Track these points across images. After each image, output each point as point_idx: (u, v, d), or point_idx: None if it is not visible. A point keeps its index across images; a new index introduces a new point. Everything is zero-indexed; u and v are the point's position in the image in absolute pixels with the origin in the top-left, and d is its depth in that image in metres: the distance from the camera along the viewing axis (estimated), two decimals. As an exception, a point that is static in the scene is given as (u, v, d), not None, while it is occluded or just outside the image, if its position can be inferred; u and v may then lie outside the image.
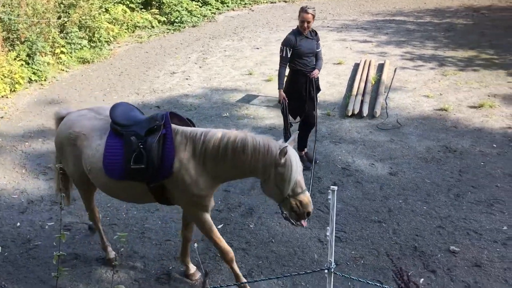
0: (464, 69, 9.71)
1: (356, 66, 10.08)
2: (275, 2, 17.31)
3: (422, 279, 4.19)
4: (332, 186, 3.00)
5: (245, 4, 16.98)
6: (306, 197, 3.56)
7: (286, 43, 5.89)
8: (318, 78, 6.08)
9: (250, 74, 10.08)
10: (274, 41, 12.29)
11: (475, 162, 6.23)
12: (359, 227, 5.05)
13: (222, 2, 16.51)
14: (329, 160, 6.46)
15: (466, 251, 4.59)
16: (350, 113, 7.83)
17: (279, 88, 6.03)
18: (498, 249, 4.61)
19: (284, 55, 5.90)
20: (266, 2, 17.35)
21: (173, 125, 3.83)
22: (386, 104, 8.16)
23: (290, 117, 6.11)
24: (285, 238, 4.91)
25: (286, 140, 4.06)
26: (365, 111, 7.87)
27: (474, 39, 11.79)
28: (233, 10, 16.46)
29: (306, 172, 4.85)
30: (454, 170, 6.05)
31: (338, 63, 10.36)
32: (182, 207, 4.01)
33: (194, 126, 4.01)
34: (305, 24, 5.83)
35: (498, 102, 8.00)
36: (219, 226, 5.06)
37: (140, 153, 3.67)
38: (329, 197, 2.86)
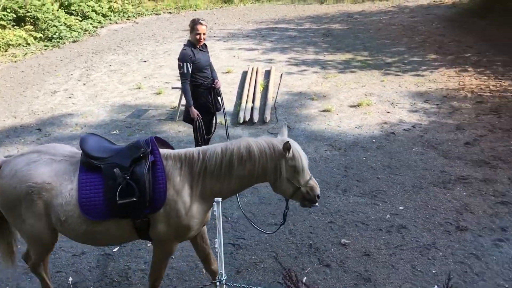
0: (343, 71, 10.40)
1: (244, 74, 10.31)
2: (159, 14, 17.13)
3: (305, 278, 4.38)
4: (216, 198, 3.02)
5: (129, 16, 16.58)
6: (314, 182, 3.58)
7: (185, 59, 5.70)
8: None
9: (139, 88, 9.84)
10: (162, 53, 12.15)
11: (358, 157, 6.69)
12: (258, 232, 5.14)
13: (104, 16, 15.95)
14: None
15: (356, 242, 4.90)
16: (241, 121, 7.99)
17: (189, 106, 5.83)
18: (383, 237, 4.98)
19: (185, 71, 5.71)
20: (151, 13, 17.10)
21: (161, 150, 3.56)
22: (275, 109, 8.45)
23: (204, 133, 5.95)
24: (185, 253, 4.84)
25: None
26: (256, 118, 8.08)
27: (350, 42, 12.70)
28: (116, 23, 15.97)
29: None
30: (341, 167, 6.44)
31: (226, 72, 10.51)
32: (159, 239, 3.57)
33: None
34: (201, 36, 5.79)
35: (374, 100, 8.69)
36: (115, 250, 4.86)
37: (128, 186, 3.33)
38: (215, 209, 2.87)
